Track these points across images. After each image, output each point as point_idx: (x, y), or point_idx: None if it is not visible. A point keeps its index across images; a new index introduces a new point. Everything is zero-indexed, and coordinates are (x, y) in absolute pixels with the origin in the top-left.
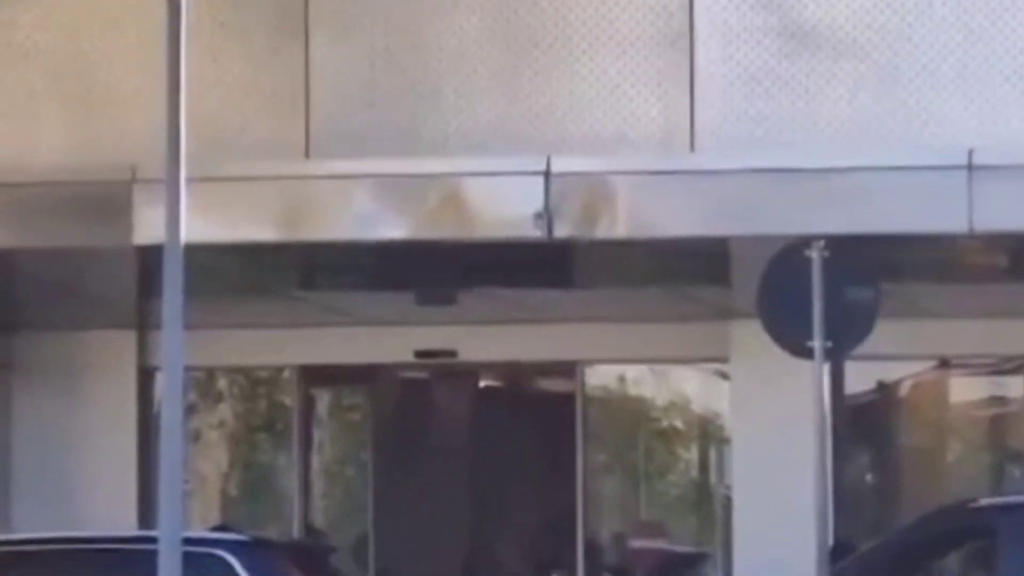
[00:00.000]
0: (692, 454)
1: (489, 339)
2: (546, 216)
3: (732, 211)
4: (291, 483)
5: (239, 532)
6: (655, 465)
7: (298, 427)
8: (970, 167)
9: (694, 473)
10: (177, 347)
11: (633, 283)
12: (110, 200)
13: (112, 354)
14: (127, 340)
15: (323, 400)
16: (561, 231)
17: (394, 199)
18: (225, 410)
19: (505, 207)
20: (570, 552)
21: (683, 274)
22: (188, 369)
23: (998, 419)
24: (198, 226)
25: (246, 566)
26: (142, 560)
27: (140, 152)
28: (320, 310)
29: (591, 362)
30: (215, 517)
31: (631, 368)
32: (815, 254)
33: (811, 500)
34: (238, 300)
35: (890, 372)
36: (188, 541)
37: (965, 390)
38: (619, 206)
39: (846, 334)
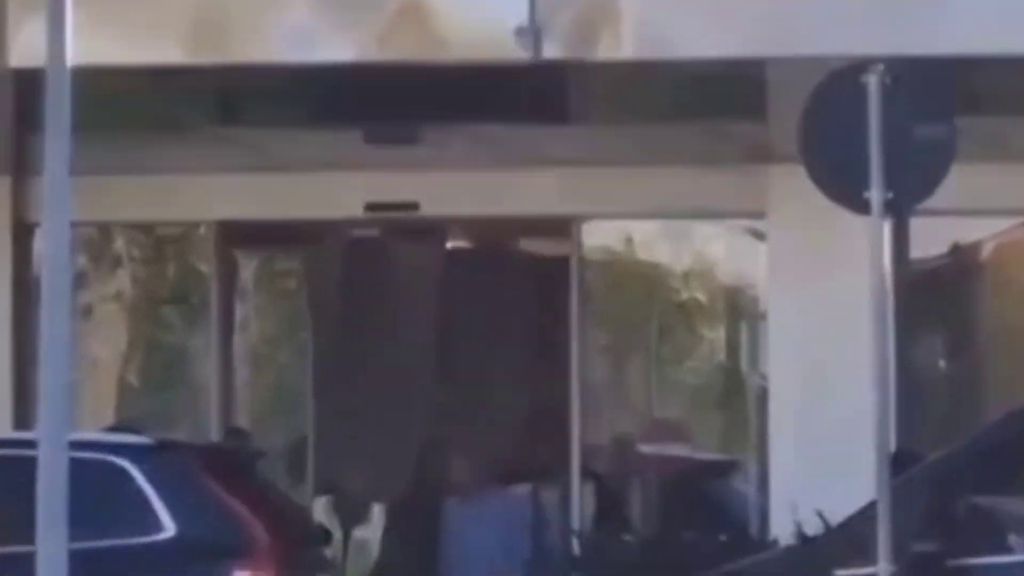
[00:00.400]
0: (718, 334)
1: (459, 188)
2: (532, 32)
3: (768, 26)
4: (208, 371)
5: (140, 433)
6: (671, 348)
7: (217, 300)
8: None
9: (720, 358)
10: (62, 197)
11: (642, 118)
12: None
13: None
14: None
15: (248, 265)
16: (551, 51)
17: (339, 10)
18: (124, 278)
19: (480, 20)
20: (562, 458)
21: (705, 106)
22: (76, 225)
23: None
24: (91, 44)
25: (149, 476)
26: (17, 469)
27: None
28: (245, 151)
29: (590, 217)
30: (110, 414)
31: (640, 225)
32: (873, 80)
33: (867, 394)
34: (140, 139)
35: (967, 230)
36: (76, 445)
37: None
38: (623, 19)
39: (912, 182)
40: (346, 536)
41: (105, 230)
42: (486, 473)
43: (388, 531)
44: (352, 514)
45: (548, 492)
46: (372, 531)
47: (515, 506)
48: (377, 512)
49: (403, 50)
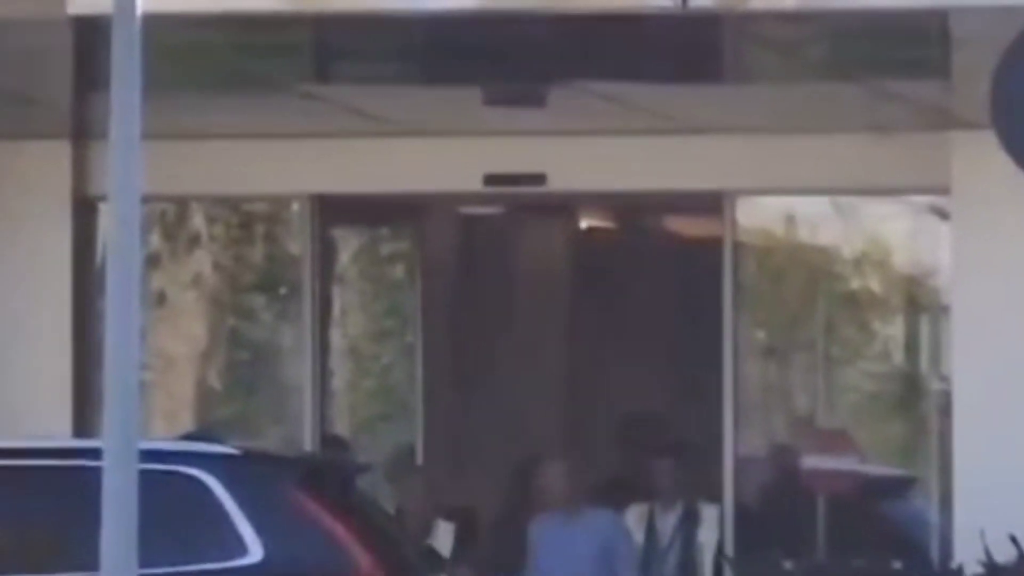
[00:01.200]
0: (893, 329)
1: (593, 158)
2: None
3: None
4: (301, 370)
5: (222, 442)
6: (839, 346)
7: (311, 287)
8: None
9: (896, 358)
10: (131, 166)
11: (805, 78)
12: None
13: (36, 176)
14: (57, 156)
15: (348, 247)
16: None
17: None
18: (203, 261)
19: None
20: (714, 473)
21: (879, 64)
22: (148, 199)
23: None
24: None
25: (232, 491)
26: (79, 483)
27: None
28: (344, 114)
29: (745, 192)
30: (187, 420)
31: (803, 202)
32: None
33: None
34: (223, 99)
35: None
36: (147, 455)
37: None
38: None
39: None
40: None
41: (181, 205)
42: (622, 491)
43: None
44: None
45: (696, 511)
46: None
47: (616, 525)
48: (443, 528)
49: None
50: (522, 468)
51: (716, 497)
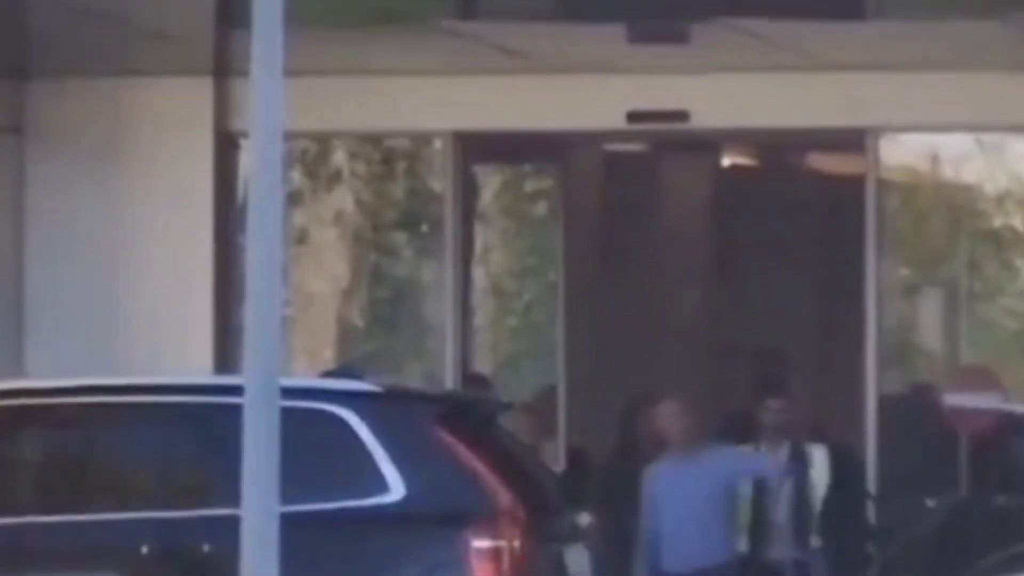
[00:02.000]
0: None
1: (735, 95)
2: None
3: None
4: (442, 308)
5: (363, 380)
6: (982, 283)
7: (453, 224)
8: None
9: None
10: (274, 102)
11: (950, 13)
12: None
13: (177, 112)
14: (199, 92)
15: (491, 184)
16: None
17: None
18: (345, 198)
19: None
20: (856, 411)
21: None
22: (290, 135)
23: None
24: None
25: (373, 429)
26: (221, 420)
27: None
28: (487, 50)
29: (889, 130)
30: (329, 357)
31: (948, 139)
32: None
33: None
34: (364, 34)
35: None
36: (288, 392)
37: None
38: None
39: None
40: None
41: (323, 141)
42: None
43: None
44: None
45: (803, 452)
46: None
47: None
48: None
49: None
50: (630, 407)
51: (855, 433)
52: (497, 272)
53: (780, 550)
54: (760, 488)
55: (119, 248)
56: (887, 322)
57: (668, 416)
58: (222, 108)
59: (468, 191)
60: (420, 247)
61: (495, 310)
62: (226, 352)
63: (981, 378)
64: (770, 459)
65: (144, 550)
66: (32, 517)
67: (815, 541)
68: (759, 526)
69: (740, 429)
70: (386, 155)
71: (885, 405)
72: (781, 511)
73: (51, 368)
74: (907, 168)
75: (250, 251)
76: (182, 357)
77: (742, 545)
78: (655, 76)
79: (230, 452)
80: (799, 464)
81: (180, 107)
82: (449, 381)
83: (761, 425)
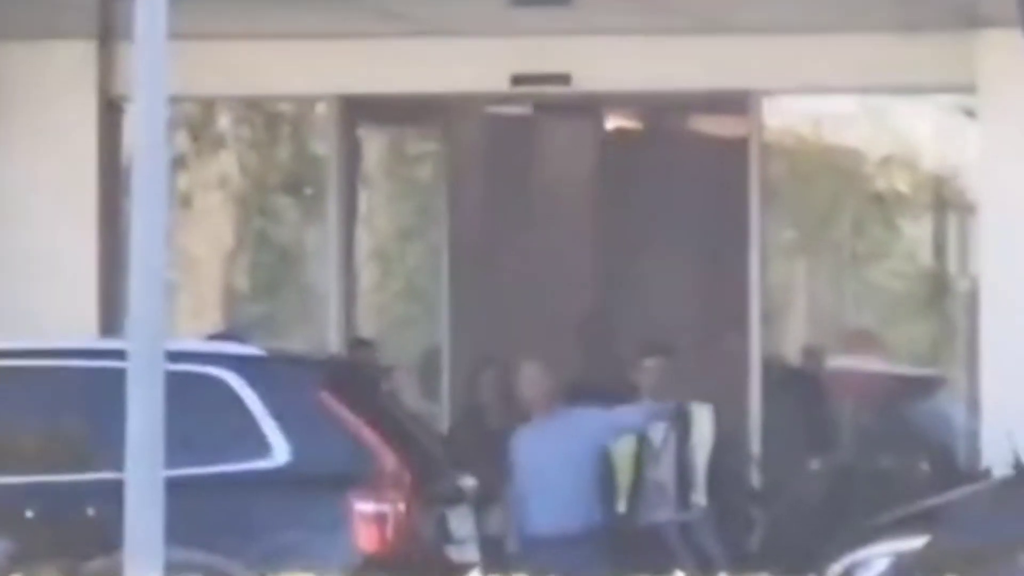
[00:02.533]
0: (921, 230)
1: (619, 58)
2: None
3: None
4: (327, 272)
5: (248, 343)
6: (866, 246)
7: (337, 188)
8: None
9: (924, 258)
10: (158, 66)
11: None
12: None
13: (62, 77)
14: (84, 56)
15: (375, 148)
16: None
17: None
18: (229, 162)
19: None
20: (739, 374)
21: None
22: (174, 100)
23: None
24: None
25: (258, 392)
26: (104, 384)
27: None
28: (370, 14)
29: (772, 92)
30: (213, 321)
31: (831, 101)
32: None
33: None
34: None
35: None
36: (173, 356)
37: None
38: None
39: None
40: None
41: (207, 105)
42: (647, 391)
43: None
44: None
45: (687, 412)
46: None
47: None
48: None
49: None
50: (475, 370)
51: (738, 395)
52: (381, 236)
53: (662, 512)
54: (641, 448)
55: (2, 212)
56: (771, 285)
57: (527, 379)
58: (106, 72)
59: (352, 155)
60: (304, 211)
61: (379, 274)
62: (111, 315)
63: (866, 341)
64: (634, 411)
65: (29, 514)
66: None
67: (700, 502)
68: (640, 487)
69: (618, 390)
70: (270, 119)
71: (769, 367)
72: (664, 471)
73: None
74: (791, 131)
75: (135, 215)
76: (67, 321)
77: (621, 506)
78: (538, 39)
79: (116, 416)
80: (682, 424)
81: (64, 71)
82: (333, 345)
83: (640, 386)
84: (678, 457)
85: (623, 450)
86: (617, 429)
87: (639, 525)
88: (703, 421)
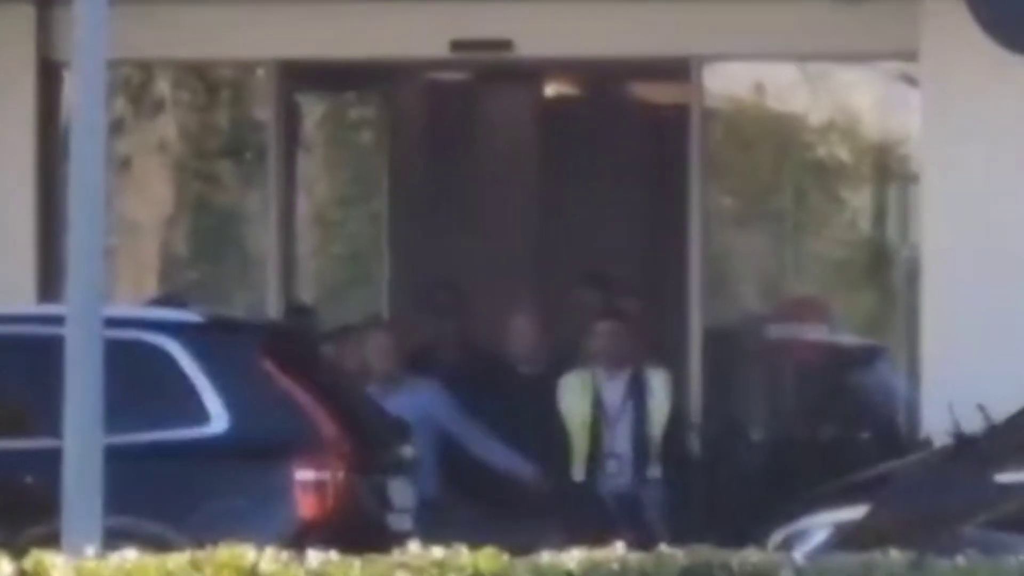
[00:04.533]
0: (863, 198)
1: (560, 24)
2: None
3: None
4: (266, 237)
5: (186, 309)
6: (807, 215)
7: (276, 153)
8: None
9: (865, 227)
10: (96, 30)
11: None
12: None
13: None
14: (22, 20)
15: (314, 113)
16: None
17: None
18: (168, 126)
19: None
20: (680, 341)
21: None
22: (113, 64)
23: None
24: None
25: (196, 359)
26: (42, 350)
27: None
28: None
29: (713, 58)
30: (152, 287)
31: (771, 68)
32: None
33: None
34: None
35: None
36: (111, 322)
37: None
38: None
39: None
40: None
41: (146, 69)
42: (587, 357)
43: None
44: None
45: (643, 378)
46: None
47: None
48: None
49: None
50: (331, 337)
51: (679, 364)
52: (321, 201)
53: (614, 481)
54: (596, 415)
55: None
56: (712, 252)
57: (373, 346)
58: (45, 36)
59: (292, 120)
60: (244, 176)
61: (319, 239)
62: (48, 281)
63: (807, 309)
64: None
65: None
66: None
67: (654, 472)
68: (595, 455)
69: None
70: (209, 83)
71: (710, 336)
72: (619, 441)
73: None
74: (731, 97)
75: (72, 180)
76: (4, 287)
77: (578, 475)
78: (479, 4)
79: (54, 383)
80: (636, 391)
81: (2, 34)
82: (272, 311)
83: (591, 351)
84: (634, 426)
85: (578, 418)
86: (435, 411)
87: (596, 494)
88: (659, 387)
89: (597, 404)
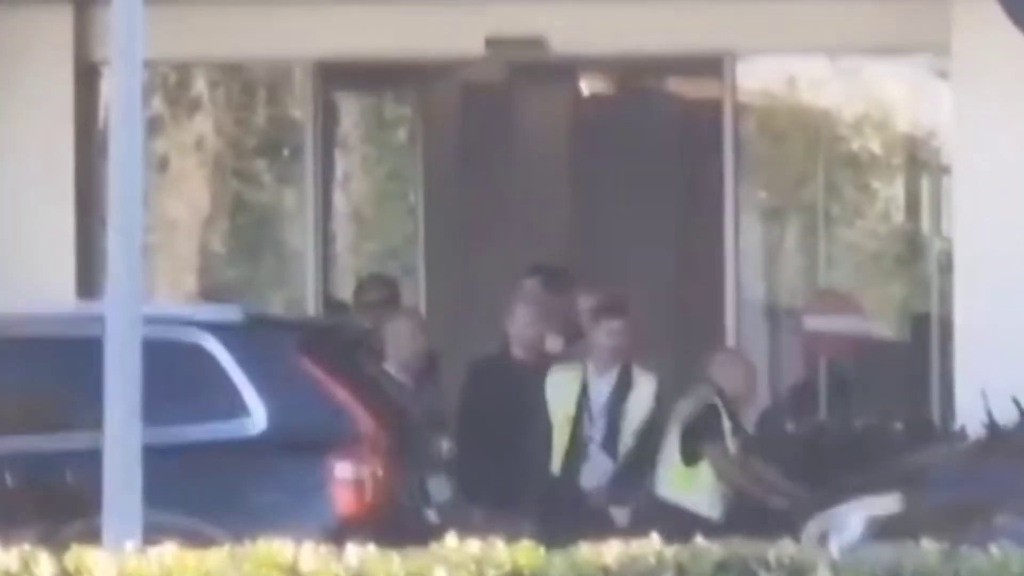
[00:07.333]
0: (895, 190)
1: (594, 22)
2: None
3: None
4: (303, 235)
5: (225, 306)
6: (840, 207)
7: (314, 152)
8: None
9: (897, 219)
10: (134, 31)
11: None
12: None
13: (38, 40)
14: (60, 20)
15: (351, 111)
16: None
17: None
18: (206, 126)
19: None
20: (716, 332)
21: None
22: (151, 63)
23: None
24: None
25: (235, 356)
26: (82, 348)
27: None
28: None
29: (746, 53)
30: (190, 285)
31: (804, 63)
32: None
33: None
34: None
35: None
36: (150, 320)
37: None
38: None
39: None
40: None
41: (184, 69)
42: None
43: None
44: None
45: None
46: None
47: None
48: None
49: None
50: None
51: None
52: (358, 198)
53: (590, 476)
54: (580, 410)
55: None
56: (746, 246)
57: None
58: (83, 36)
59: (328, 119)
60: (281, 174)
61: (356, 236)
62: (88, 279)
63: (840, 302)
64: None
65: (7, 479)
66: None
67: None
68: (574, 451)
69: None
70: (247, 83)
71: (745, 329)
72: (598, 436)
73: None
74: (764, 92)
75: (111, 179)
76: (44, 286)
77: (556, 469)
78: (513, 2)
79: (94, 381)
80: (622, 389)
81: (40, 35)
82: (311, 308)
83: (595, 346)
84: (612, 424)
85: (562, 412)
86: None
87: (571, 489)
88: (642, 389)
89: (583, 399)
